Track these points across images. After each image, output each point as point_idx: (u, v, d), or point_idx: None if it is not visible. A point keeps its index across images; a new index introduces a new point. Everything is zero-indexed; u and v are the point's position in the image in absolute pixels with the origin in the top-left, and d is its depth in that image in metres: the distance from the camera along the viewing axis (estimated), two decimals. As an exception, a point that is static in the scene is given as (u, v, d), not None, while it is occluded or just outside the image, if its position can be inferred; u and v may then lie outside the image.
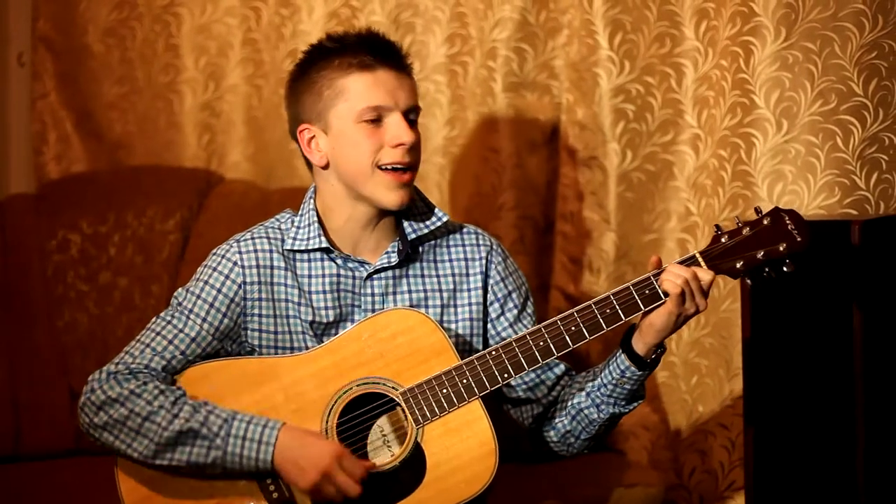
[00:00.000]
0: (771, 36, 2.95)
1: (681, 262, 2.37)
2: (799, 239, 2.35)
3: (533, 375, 2.52)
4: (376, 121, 2.42)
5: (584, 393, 2.47)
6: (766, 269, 2.37)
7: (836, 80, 2.89)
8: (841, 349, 2.63)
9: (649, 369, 2.42)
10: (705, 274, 2.36)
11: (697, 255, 2.37)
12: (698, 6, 3.08)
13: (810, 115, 2.92)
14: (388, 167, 2.43)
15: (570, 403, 2.49)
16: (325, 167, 2.46)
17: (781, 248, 2.34)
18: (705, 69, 3.08)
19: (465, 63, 3.37)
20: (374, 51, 2.43)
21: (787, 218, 2.36)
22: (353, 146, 2.43)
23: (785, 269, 2.36)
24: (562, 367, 2.54)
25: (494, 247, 2.57)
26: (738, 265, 2.36)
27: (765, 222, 2.36)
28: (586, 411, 2.47)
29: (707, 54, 3.08)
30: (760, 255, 2.35)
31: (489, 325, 2.54)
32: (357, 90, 2.42)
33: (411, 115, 2.46)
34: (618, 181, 3.20)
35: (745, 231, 2.36)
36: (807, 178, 2.93)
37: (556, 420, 2.51)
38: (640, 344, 2.40)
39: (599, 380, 2.44)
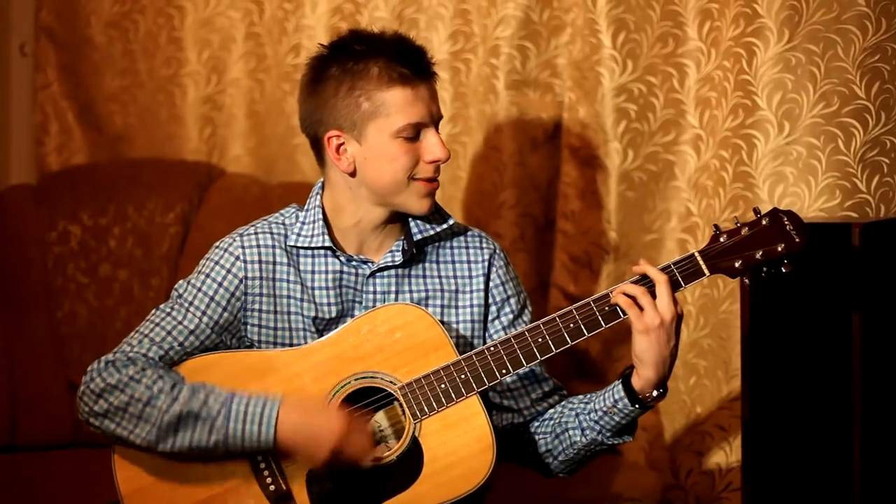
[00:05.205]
0: (774, 37, 2.95)
1: (679, 262, 2.36)
2: (797, 240, 2.34)
3: (518, 384, 2.53)
4: (413, 137, 2.42)
5: (574, 413, 2.46)
6: (765, 269, 2.36)
7: (839, 83, 2.89)
8: (840, 352, 2.63)
9: (641, 407, 2.39)
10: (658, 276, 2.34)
11: (696, 255, 2.36)
12: (702, 7, 3.08)
13: (812, 117, 2.92)
14: (422, 178, 2.43)
15: (557, 421, 2.48)
16: (352, 174, 2.45)
17: (780, 249, 2.34)
18: (708, 70, 3.08)
19: (468, 60, 3.37)
20: (412, 63, 2.41)
21: (785, 219, 2.35)
22: (391, 161, 2.41)
23: (783, 269, 2.35)
24: (550, 383, 2.54)
25: (497, 251, 2.56)
26: (737, 264, 2.35)
27: (763, 222, 2.35)
28: (571, 432, 2.46)
29: (710, 55, 3.07)
30: (759, 254, 2.34)
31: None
32: (398, 106, 2.40)
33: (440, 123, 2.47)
34: (619, 180, 3.20)
35: (744, 231, 2.35)
36: (808, 180, 2.93)
37: (539, 436, 2.51)
38: (636, 378, 2.38)
39: (592, 404, 2.43)
